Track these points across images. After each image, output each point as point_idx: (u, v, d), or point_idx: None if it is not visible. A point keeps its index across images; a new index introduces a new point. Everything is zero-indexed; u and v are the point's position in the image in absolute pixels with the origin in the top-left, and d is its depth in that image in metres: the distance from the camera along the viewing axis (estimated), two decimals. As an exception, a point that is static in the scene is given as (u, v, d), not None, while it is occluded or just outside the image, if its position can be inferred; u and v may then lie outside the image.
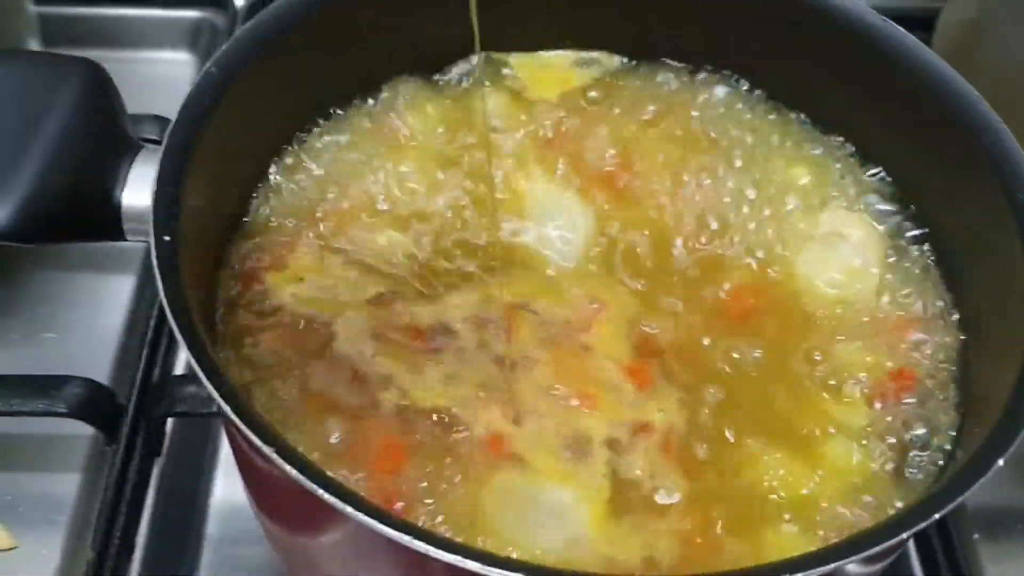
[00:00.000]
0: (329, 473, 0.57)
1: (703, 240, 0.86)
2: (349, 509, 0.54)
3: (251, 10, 1.34)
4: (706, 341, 0.79)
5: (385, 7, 0.90)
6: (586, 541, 0.70)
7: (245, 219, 0.85)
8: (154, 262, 0.66)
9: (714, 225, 0.86)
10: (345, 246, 0.84)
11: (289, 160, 0.89)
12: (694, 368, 0.78)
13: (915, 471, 0.75)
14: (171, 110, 0.74)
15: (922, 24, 1.19)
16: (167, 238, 0.68)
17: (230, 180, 0.84)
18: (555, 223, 0.86)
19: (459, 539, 0.67)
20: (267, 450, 0.56)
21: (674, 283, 0.83)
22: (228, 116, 0.78)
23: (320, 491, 0.54)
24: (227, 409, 0.58)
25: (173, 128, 0.74)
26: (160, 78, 1.34)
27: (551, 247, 0.85)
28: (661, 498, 0.72)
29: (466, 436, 0.73)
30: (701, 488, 0.73)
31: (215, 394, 0.58)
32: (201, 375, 0.59)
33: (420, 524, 0.69)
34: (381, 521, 0.54)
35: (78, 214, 0.74)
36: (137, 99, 1.26)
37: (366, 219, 0.86)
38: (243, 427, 0.57)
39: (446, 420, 0.74)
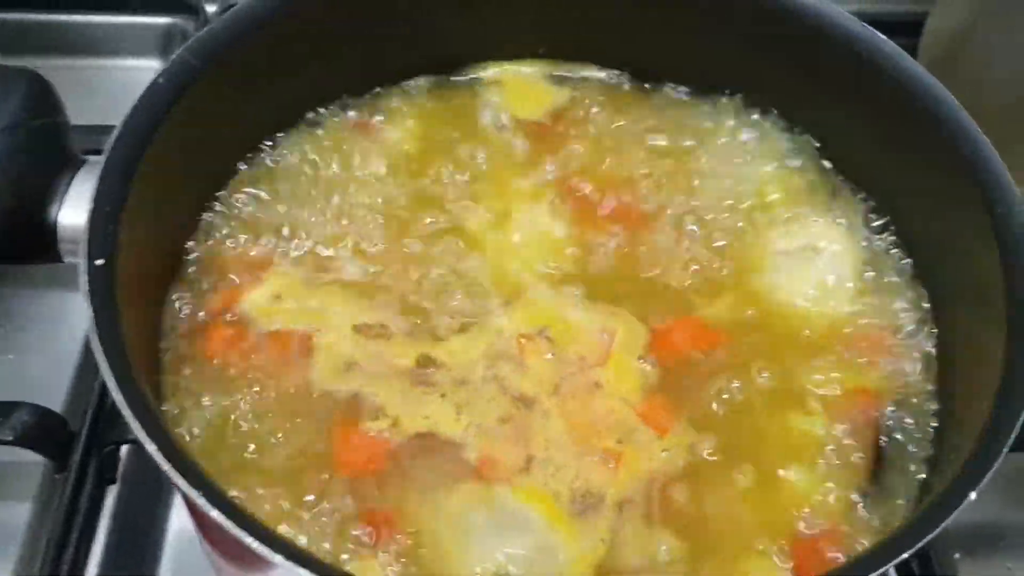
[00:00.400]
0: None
1: (682, 259, 0.82)
2: (278, 558, 0.50)
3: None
4: (701, 373, 0.76)
5: (354, 14, 0.86)
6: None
7: (204, 232, 0.82)
8: (84, 289, 0.62)
9: (693, 241, 0.83)
10: (324, 267, 0.80)
11: (252, 172, 0.86)
12: (694, 407, 0.74)
13: (892, 493, 0.72)
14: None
15: (908, 30, 1.15)
16: (100, 262, 0.65)
17: (183, 195, 0.81)
18: (537, 247, 0.83)
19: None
20: (193, 494, 0.52)
21: (659, 305, 0.80)
22: (178, 129, 0.74)
23: (248, 538, 0.51)
24: (152, 449, 0.54)
25: (113, 143, 0.71)
26: (130, 86, 1.29)
27: (537, 269, 0.81)
28: (655, 557, 0.69)
29: (460, 465, 0.71)
30: (693, 542, 0.69)
31: (140, 434, 0.55)
32: (127, 413, 0.56)
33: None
34: (310, 568, 0.50)
35: (11, 233, 0.70)
36: (105, 109, 1.22)
37: (342, 240, 0.82)
38: (168, 468, 0.53)
39: (438, 448, 0.71)
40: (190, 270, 0.80)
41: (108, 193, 0.67)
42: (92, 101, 1.28)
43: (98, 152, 0.80)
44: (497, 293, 0.79)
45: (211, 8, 1.34)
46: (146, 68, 1.34)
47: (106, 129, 1.06)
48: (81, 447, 0.91)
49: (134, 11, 1.34)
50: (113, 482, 0.93)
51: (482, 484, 0.70)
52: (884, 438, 0.74)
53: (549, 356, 0.75)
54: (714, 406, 0.74)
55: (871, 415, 0.75)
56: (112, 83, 1.31)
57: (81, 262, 0.63)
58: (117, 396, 0.56)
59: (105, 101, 1.29)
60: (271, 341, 0.76)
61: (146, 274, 0.73)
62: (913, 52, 1.13)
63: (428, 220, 0.84)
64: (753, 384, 0.76)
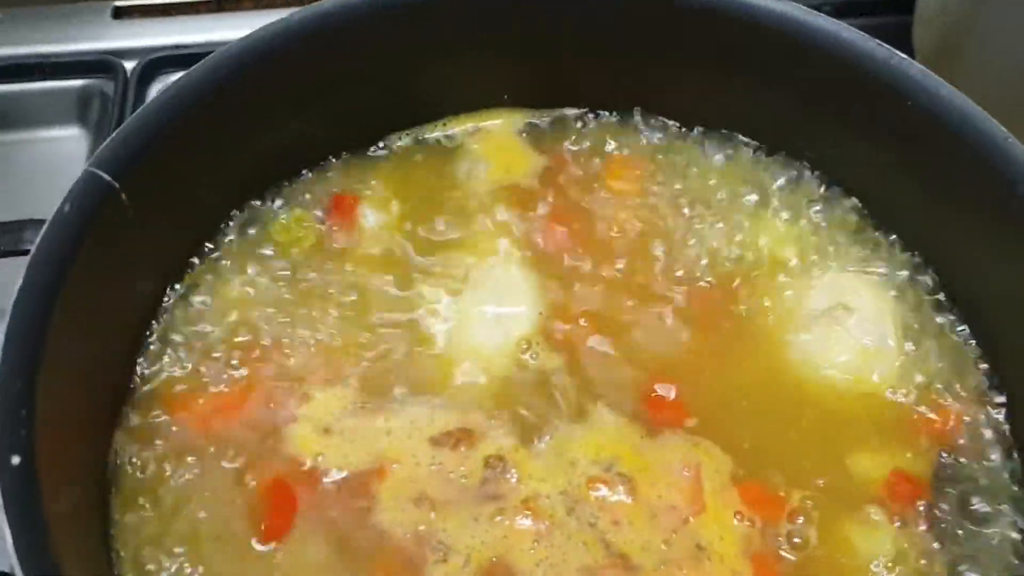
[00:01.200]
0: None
1: (701, 331, 0.72)
2: None
3: (142, 75, 1.18)
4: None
5: (281, 90, 0.75)
6: None
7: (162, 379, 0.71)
8: (-1, 495, 0.52)
9: (710, 310, 0.73)
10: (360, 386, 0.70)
11: (201, 290, 0.75)
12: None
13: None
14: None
15: (899, 7, 1.05)
16: (16, 460, 0.53)
17: (119, 337, 0.70)
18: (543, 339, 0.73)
19: None
20: None
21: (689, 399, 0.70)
22: (96, 261, 0.64)
23: None
24: None
25: (16, 301, 0.59)
26: (50, 160, 1.19)
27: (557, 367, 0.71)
28: None
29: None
30: None
31: None
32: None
33: None
34: None
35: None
36: (25, 187, 1.11)
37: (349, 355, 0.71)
38: None
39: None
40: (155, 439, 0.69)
41: (15, 369, 0.56)
42: (8, 184, 1.16)
43: (18, 253, 0.72)
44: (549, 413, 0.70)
45: (129, 65, 1.22)
46: (65, 137, 1.23)
47: (24, 225, 0.95)
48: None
49: (45, 76, 1.22)
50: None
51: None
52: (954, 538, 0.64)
53: (629, 500, 0.65)
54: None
55: (932, 509, 0.65)
56: (30, 158, 1.20)
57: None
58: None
59: (23, 182, 1.18)
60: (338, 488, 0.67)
61: (88, 434, 0.62)
62: (906, 31, 1.03)
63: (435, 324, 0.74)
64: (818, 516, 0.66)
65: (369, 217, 0.78)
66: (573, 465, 0.66)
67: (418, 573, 0.63)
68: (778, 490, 0.66)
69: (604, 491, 0.65)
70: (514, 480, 0.66)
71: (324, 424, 0.68)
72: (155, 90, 1.17)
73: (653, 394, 0.70)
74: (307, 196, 0.79)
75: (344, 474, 0.66)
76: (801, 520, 0.65)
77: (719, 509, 0.65)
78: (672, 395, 0.69)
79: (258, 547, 0.64)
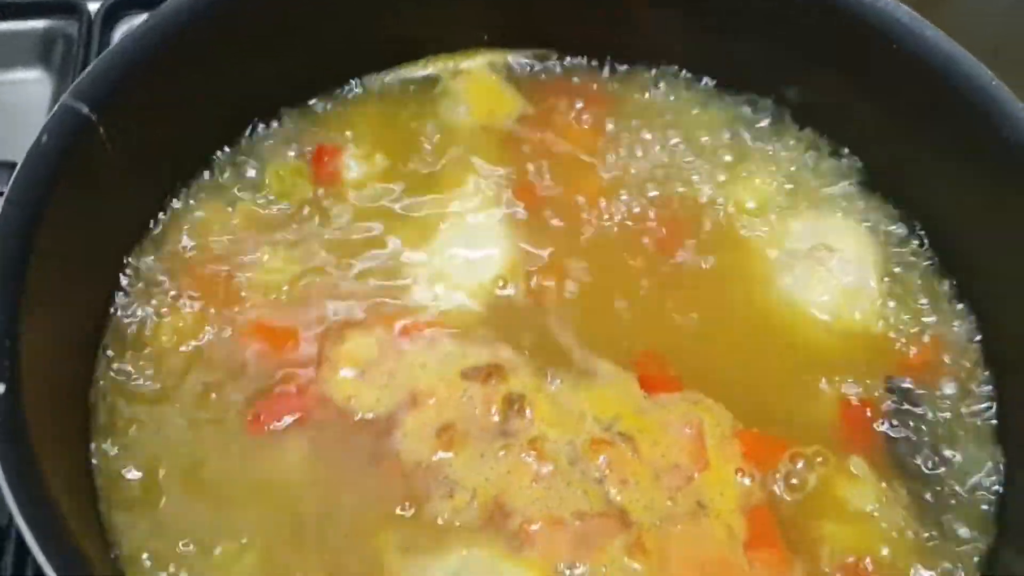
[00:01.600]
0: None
1: (683, 288, 0.72)
2: None
3: (106, 16, 1.16)
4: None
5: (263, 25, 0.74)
6: None
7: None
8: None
9: (686, 251, 0.74)
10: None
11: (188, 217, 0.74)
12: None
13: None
14: (29, 140, 0.62)
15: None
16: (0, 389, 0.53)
17: (103, 262, 0.70)
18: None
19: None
20: None
21: (675, 339, 0.70)
22: (76, 194, 0.63)
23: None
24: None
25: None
26: (13, 102, 1.16)
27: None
28: None
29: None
30: None
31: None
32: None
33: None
34: None
35: None
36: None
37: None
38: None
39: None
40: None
41: (-3, 301, 0.55)
42: (-28, 126, 1.13)
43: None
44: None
45: (93, 6, 1.19)
46: (28, 80, 1.20)
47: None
48: (13, 544, 0.79)
49: (5, 16, 1.19)
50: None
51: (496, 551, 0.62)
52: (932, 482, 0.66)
53: (634, 459, 0.65)
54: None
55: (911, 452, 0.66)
56: (-8, 102, 1.17)
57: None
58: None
59: (-15, 123, 1.14)
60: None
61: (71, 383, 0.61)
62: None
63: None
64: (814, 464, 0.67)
65: (352, 168, 0.77)
66: (581, 418, 0.66)
67: (423, 508, 0.63)
68: (775, 435, 0.66)
69: (610, 450, 0.65)
70: (529, 419, 0.66)
71: (356, 367, 0.68)
72: (120, 32, 1.14)
73: (643, 349, 0.70)
74: (290, 140, 0.78)
75: (371, 415, 0.66)
76: (801, 464, 0.65)
77: (721, 465, 0.65)
78: (662, 348, 0.70)
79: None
